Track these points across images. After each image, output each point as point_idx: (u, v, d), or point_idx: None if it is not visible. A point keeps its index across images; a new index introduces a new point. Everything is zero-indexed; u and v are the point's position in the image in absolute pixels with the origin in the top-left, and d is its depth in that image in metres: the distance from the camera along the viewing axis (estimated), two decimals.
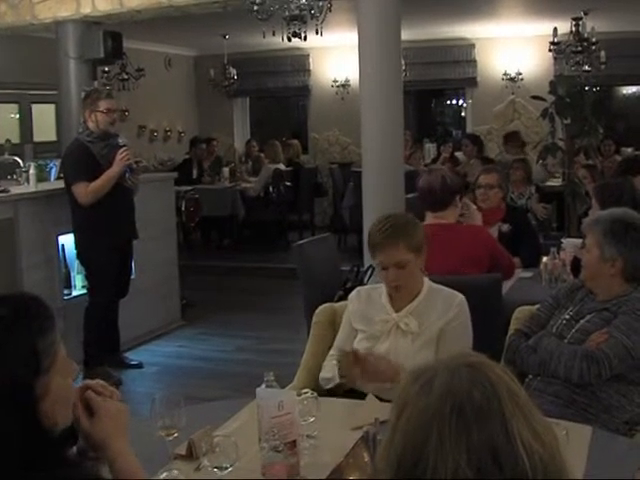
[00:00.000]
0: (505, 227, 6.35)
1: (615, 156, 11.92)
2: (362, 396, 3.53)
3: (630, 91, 15.80)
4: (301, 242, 6.67)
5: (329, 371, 3.77)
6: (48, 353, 2.04)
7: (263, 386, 2.88)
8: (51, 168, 8.67)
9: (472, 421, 1.47)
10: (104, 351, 7.27)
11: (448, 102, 17.63)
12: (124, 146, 6.98)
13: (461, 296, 3.82)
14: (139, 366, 7.59)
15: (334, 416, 3.19)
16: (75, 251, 7.21)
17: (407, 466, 1.50)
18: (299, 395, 3.00)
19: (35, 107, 12.41)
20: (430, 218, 5.33)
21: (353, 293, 4.01)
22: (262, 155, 14.33)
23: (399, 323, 3.74)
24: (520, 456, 1.46)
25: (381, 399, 3.38)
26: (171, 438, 2.77)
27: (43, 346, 2.03)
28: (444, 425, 1.48)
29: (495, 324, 4.53)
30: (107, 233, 6.99)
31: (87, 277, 7.29)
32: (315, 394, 3.08)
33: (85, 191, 6.81)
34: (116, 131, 7.22)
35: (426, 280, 3.87)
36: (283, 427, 2.72)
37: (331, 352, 3.94)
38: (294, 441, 2.74)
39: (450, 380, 1.53)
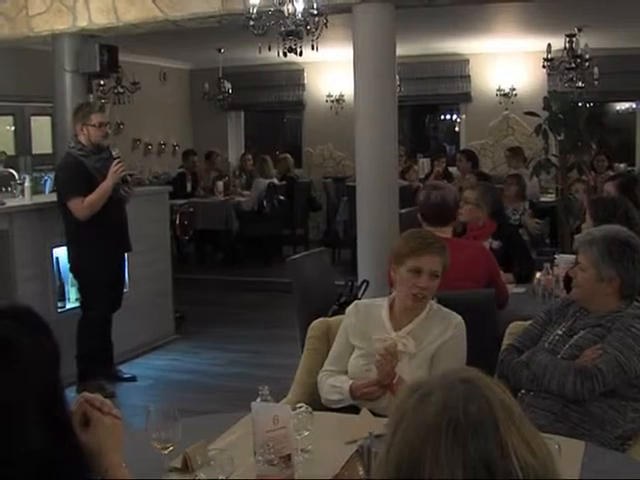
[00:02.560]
0: (495, 244, 6.35)
1: (608, 172, 11.96)
2: (356, 410, 3.54)
3: (623, 107, 15.86)
4: (295, 257, 6.68)
5: (334, 393, 3.77)
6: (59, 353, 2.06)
7: (258, 400, 2.89)
8: (46, 181, 8.68)
9: (467, 435, 1.49)
10: (98, 364, 7.27)
11: (442, 117, 17.67)
12: (117, 158, 6.98)
13: (459, 318, 3.83)
14: (132, 379, 7.58)
15: (328, 430, 3.19)
16: (68, 264, 7.20)
17: (404, 477, 1.52)
18: (294, 409, 3.01)
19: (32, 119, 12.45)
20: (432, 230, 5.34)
21: (351, 307, 3.99)
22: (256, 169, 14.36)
23: (397, 343, 3.71)
24: (514, 469, 1.48)
25: (375, 413, 3.39)
26: (167, 451, 2.78)
27: (57, 346, 2.05)
28: (440, 439, 1.50)
29: (489, 339, 4.54)
30: (101, 246, 6.98)
31: (80, 290, 7.28)
32: (310, 408, 3.08)
33: (81, 206, 6.80)
34: (108, 144, 7.22)
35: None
36: (278, 441, 2.73)
37: (325, 368, 3.93)
38: (289, 455, 2.75)
39: (446, 395, 1.55)
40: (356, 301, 4.08)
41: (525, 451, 1.50)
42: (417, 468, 1.50)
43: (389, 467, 1.56)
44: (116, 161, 6.92)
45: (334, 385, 3.79)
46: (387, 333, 3.77)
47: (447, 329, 3.77)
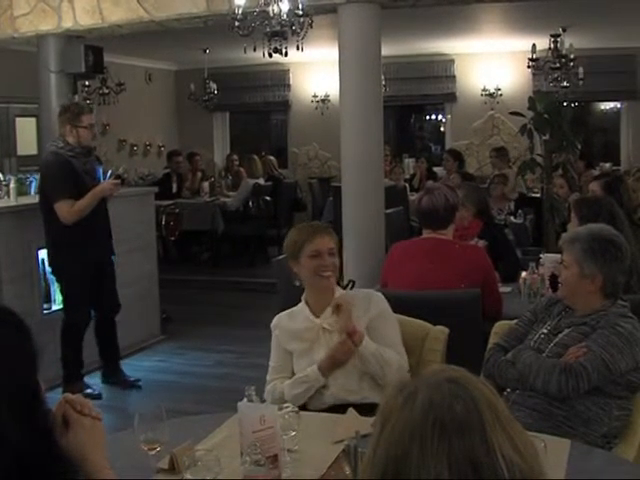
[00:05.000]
0: (481, 243, 6.37)
1: (591, 171, 11.98)
2: (343, 410, 3.55)
3: (608, 107, 15.91)
4: (280, 257, 6.68)
5: (298, 386, 3.86)
6: (37, 354, 2.05)
7: (244, 400, 2.89)
8: (31, 182, 8.65)
9: (453, 434, 1.50)
10: (82, 366, 7.23)
11: (427, 117, 17.69)
12: (118, 177, 6.99)
13: (376, 292, 4.12)
14: (137, 385, 7.45)
15: (315, 430, 3.20)
16: (49, 267, 7.14)
17: (391, 476, 1.52)
18: (280, 409, 3.01)
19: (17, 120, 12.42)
20: (429, 232, 5.36)
21: (274, 321, 4.14)
22: (242, 169, 14.35)
23: (322, 324, 3.90)
24: (500, 468, 1.48)
25: (361, 413, 3.41)
26: (154, 452, 2.78)
27: (35, 347, 2.04)
28: (426, 438, 1.50)
29: (474, 338, 4.56)
30: (83, 250, 6.91)
31: (62, 293, 7.23)
32: (296, 408, 3.09)
33: (70, 209, 6.70)
34: (95, 146, 7.21)
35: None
36: (265, 441, 2.74)
37: (271, 378, 4.05)
38: (276, 455, 2.76)
39: (432, 394, 1.55)
40: (277, 315, 4.19)
41: (511, 450, 1.51)
42: (403, 467, 1.51)
43: (376, 467, 1.56)
44: (114, 182, 6.91)
45: (295, 380, 3.89)
46: (311, 321, 3.95)
47: (369, 306, 3.97)
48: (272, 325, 4.13)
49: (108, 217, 7.20)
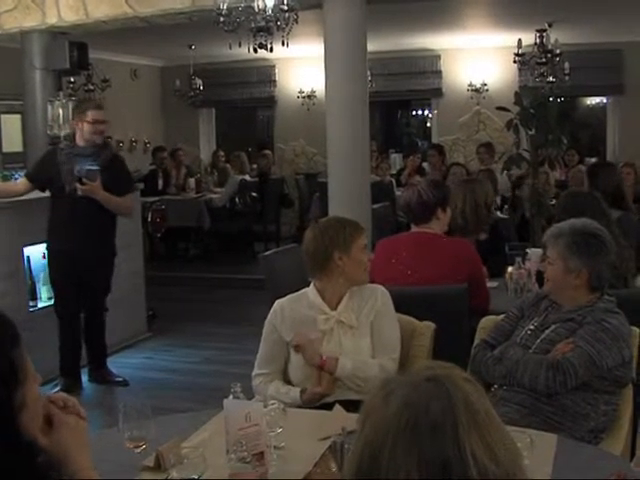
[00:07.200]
0: (483, 235, 6.37)
1: (579, 166, 12.01)
2: (329, 407, 3.54)
3: (594, 102, 15.95)
4: (267, 253, 6.67)
5: (284, 388, 3.85)
6: (22, 365, 2.02)
7: (230, 397, 2.88)
8: (16, 179, 8.59)
9: (425, 435, 1.49)
10: (77, 360, 7.22)
11: (414, 113, 17.72)
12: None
13: (380, 287, 4.06)
14: (124, 383, 7.40)
15: (301, 427, 3.19)
16: None
17: (364, 475, 1.51)
18: (266, 406, 3.00)
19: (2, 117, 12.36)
20: (414, 227, 5.38)
21: (275, 306, 4.04)
22: (228, 166, 14.33)
23: (340, 318, 3.87)
24: (471, 472, 1.47)
25: (348, 409, 3.40)
26: (139, 450, 2.77)
27: (18, 359, 2.01)
28: (398, 437, 1.49)
29: (462, 333, 4.56)
30: (49, 242, 7.06)
31: None
32: (282, 405, 3.08)
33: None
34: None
35: None
36: (251, 438, 2.72)
37: (258, 371, 4.06)
38: (262, 452, 2.74)
39: (409, 393, 1.54)
40: (277, 300, 4.10)
41: (484, 455, 1.49)
42: (375, 466, 1.50)
43: (352, 465, 1.56)
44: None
45: (279, 399, 3.70)
46: (326, 313, 3.90)
47: (377, 299, 3.95)
48: (272, 310, 4.03)
49: (77, 213, 6.87)
